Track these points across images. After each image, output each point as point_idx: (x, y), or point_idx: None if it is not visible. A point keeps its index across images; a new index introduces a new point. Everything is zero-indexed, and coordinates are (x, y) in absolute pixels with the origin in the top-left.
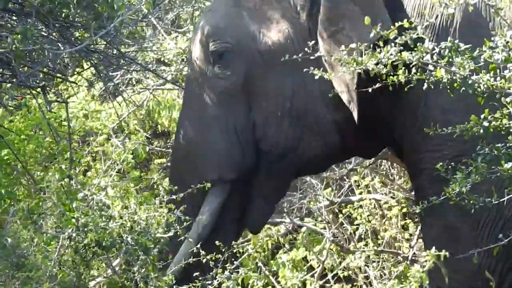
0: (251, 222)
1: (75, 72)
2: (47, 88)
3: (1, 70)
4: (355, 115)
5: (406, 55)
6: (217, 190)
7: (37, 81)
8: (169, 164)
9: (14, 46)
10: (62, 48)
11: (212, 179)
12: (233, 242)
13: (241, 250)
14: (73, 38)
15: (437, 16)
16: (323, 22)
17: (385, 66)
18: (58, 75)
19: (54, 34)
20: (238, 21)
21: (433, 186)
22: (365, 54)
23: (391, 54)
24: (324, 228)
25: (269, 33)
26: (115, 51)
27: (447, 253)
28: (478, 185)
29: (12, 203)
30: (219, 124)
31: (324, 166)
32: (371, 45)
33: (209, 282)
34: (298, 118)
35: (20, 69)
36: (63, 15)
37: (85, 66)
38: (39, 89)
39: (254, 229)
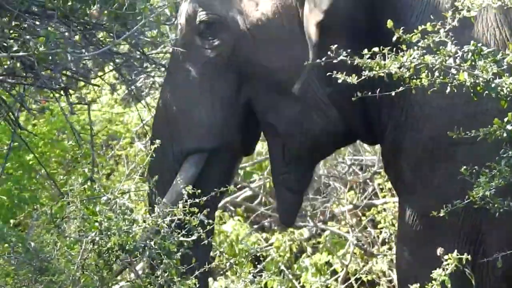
0: (282, 216)
1: (98, 75)
2: (69, 90)
3: (24, 73)
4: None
5: (429, 58)
6: (194, 159)
7: (59, 84)
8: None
9: (36, 49)
10: (84, 51)
11: (190, 147)
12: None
13: (264, 254)
14: (95, 39)
15: None
16: None
17: (408, 69)
18: (81, 78)
19: (76, 36)
20: None
21: (412, 169)
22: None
23: (413, 58)
24: (348, 232)
25: (258, 7)
26: (138, 54)
27: (469, 257)
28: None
29: (35, 207)
30: (202, 94)
31: (335, 146)
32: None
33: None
34: (295, 94)
35: (43, 72)
36: (85, 16)
37: (108, 69)
38: (61, 91)
39: (287, 222)
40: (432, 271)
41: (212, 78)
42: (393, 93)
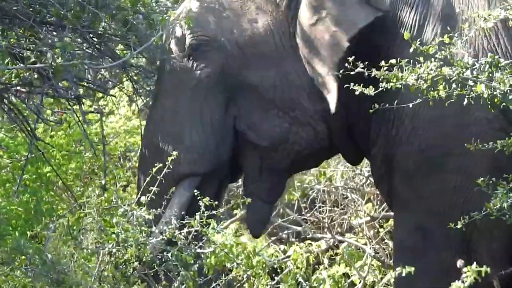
0: (251, 225)
1: (116, 85)
2: (83, 99)
3: (40, 84)
4: (332, 101)
5: (446, 70)
6: (187, 183)
7: (74, 94)
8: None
9: (54, 60)
10: (101, 62)
11: (183, 172)
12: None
13: (281, 266)
14: (110, 51)
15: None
16: (306, 9)
17: (426, 81)
18: (98, 88)
19: (92, 48)
20: (216, 13)
21: (404, 182)
22: (405, 70)
23: (431, 69)
24: (365, 244)
25: (248, 25)
26: (154, 67)
27: (488, 269)
28: None
29: (52, 219)
30: (193, 117)
31: (315, 161)
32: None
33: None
34: (284, 110)
35: (60, 84)
36: (100, 28)
37: (125, 81)
38: (75, 101)
39: (255, 232)
40: (429, 283)
41: (202, 101)
42: (410, 105)
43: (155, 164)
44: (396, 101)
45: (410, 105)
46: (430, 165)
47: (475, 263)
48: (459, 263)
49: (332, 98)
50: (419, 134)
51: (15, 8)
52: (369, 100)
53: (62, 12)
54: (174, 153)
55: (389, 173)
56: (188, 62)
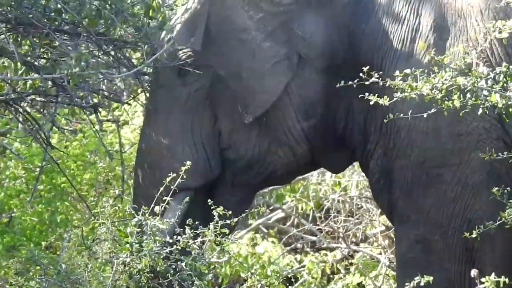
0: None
1: (132, 96)
2: (99, 108)
3: (55, 92)
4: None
5: (460, 80)
6: (180, 198)
7: (89, 102)
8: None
9: (70, 69)
10: (115, 71)
11: (176, 187)
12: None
13: (296, 276)
14: (126, 59)
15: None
16: None
17: (440, 91)
18: (113, 98)
19: (107, 56)
20: (204, 29)
21: (403, 195)
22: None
23: (445, 79)
24: (380, 253)
25: (238, 39)
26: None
27: (506, 279)
28: None
29: (67, 229)
30: (184, 131)
31: (290, 178)
32: None
33: None
34: (266, 128)
35: (77, 93)
36: (115, 36)
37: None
38: (91, 109)
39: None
40: None
41: (192, 115)
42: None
43: (148, 178)
44: (389, 113)
45: (425, 115)
46: (428, 177)
47: (493, 274)
48: (473, 272)
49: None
50: (416, 146)
51: (30, 16)
52: (364, 112)
53: (77, 19)
54: (188, 162)
55: (388, 186)
56: (179, 77)
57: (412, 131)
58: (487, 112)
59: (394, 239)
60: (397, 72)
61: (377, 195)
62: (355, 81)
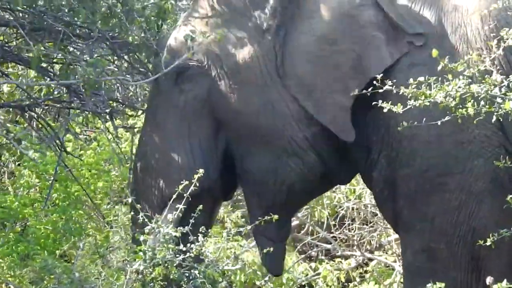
0: (270, 267)
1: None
2: (114, 114)
3: (69, 98)
4: (348, 131)
5: (474, 87)
6: (177, 204)
7: (104, 108)
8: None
9: (86, 75)
10: (130, 78)
11: (171, 193)
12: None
13: (311, 284)
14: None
15: None
16: (315, 41)
17: (454, 99)
18: (128, 105)
19: (119, 62)
20: (204, 38)
21: (408, 204)
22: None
23: (459, 87)
24: (395, 261)
25: (235, 51)
26: None
27: None
28: None
29: (81, 237)
30: (181, 138)
31: (311, 192)
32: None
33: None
34: (270, 139)
35: (92, 100)
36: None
37: None
38: (106, 116)
39: (276, 273)
40: None
41: (190, 122)
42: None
43: (146, 185)
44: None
45: (439, 122)
46: (431, 185)
47: (505, 280)
48: (489, 280)
49: (346, 127)
50: (419, 155)
51: (45, 22)
52: (366, 122)
53: (90, 18)
54: (201, 170)
55: (392, 195)
56: (176, 85)
57: (414, 140)
58: (493, 120)
59: None
60: (411, 80)
61: (381, 205)
62: (370, 89)
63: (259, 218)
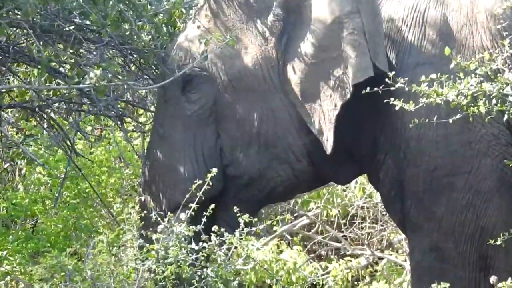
0: None
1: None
2: (125, 118)
3: (80, 100)
4: (329, 144)
5: (486, 86)
6: (183, 212)
7: (115, 111)
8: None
9: (97, 81)
10: (140, 81)
11: (179, 202)
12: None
13: (321, 283)
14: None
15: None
16: (310, 48)
17: (466, 97)
18: (138, 105)
19: (130, 65)
20: (208, 46)
21: (415, 204)
22: (446, 85)
23: (471, 85)
24: (405, 260)
25: (238, 58)
26: None
27: None
28: None
29: (92, 235)
30: (187, 148)
31: (292, 194)
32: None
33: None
34: (267, 145)
35: (101, 104)
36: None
37: None
38: (117, 119)
39: None
40: None
41: (195, 132)
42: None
43: (153, 193)
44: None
45: (450, 120)
46: (439, 185)
47: (510, 278)
48: (492, 279)
49: (329, 135)
50: (426, 155)
51: (56, 24)
52: (373, 123)
53: (101, 22)
54: (214, 169)
55: (399, 196)
56: (182, 94)
57: (422, 140)
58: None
59: None
60: (423, 77)
61: (388, 205)
62: (381, 87)
63: (231, 207)
